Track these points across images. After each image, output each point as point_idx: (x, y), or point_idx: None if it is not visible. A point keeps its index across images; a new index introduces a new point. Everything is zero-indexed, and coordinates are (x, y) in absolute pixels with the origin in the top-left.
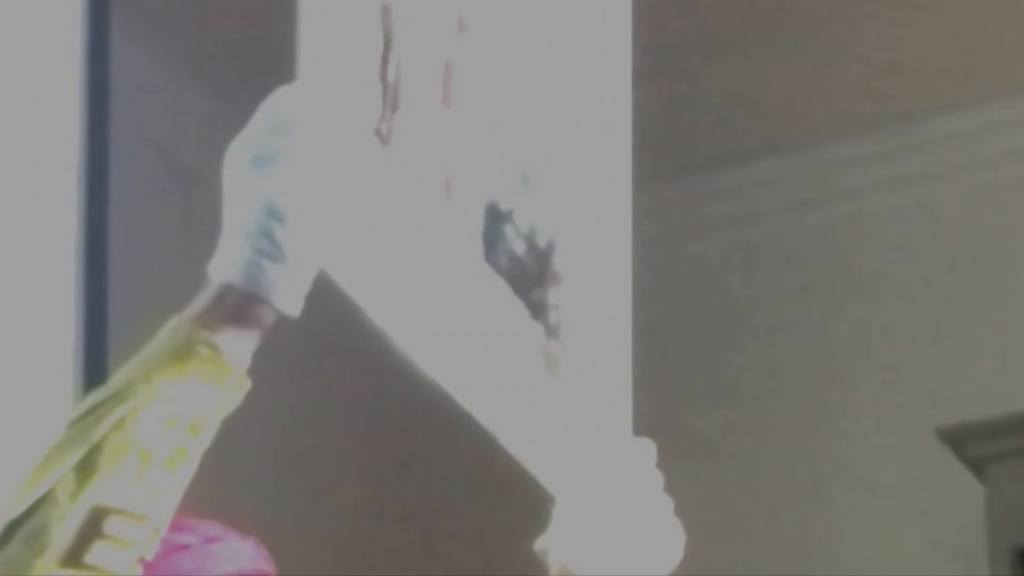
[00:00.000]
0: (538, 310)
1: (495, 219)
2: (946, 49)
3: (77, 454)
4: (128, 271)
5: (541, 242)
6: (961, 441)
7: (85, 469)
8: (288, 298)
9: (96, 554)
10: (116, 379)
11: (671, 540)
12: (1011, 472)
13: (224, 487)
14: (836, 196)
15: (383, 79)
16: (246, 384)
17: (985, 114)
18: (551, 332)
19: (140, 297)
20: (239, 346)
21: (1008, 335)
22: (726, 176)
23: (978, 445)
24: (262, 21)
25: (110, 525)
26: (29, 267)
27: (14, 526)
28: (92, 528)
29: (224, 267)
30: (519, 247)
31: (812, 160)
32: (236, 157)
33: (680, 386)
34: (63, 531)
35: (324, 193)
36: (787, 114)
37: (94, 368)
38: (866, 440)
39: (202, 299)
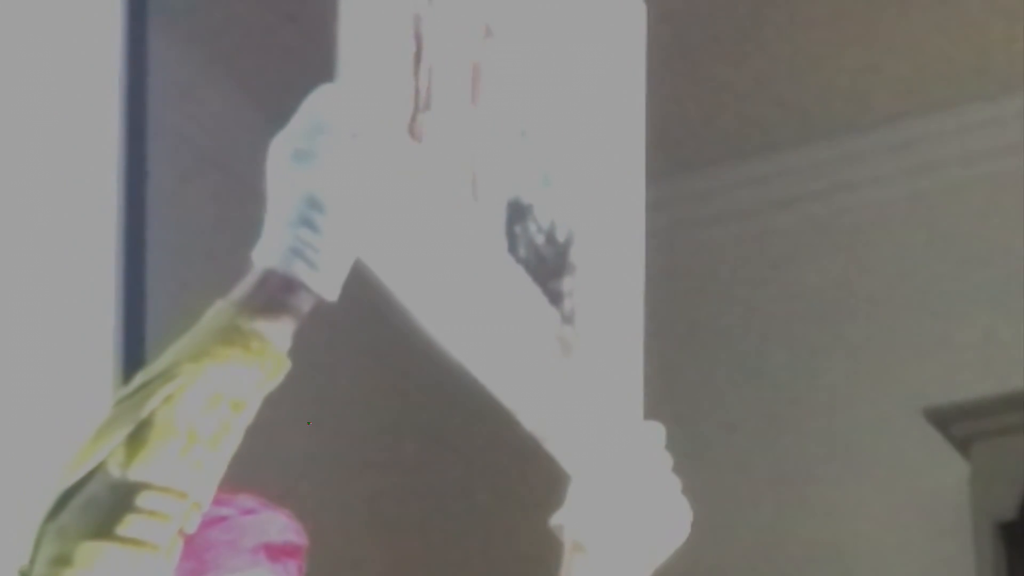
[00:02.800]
0: (555, 297)
1: (517, 213)
2: (937, 52)
3: (127, 428)
4: (164, 262)
5: (560, 235)
6: (947, 421)
7: (135, 443)
8: (326, 283)
9: (137, 527)
10: (164, 359)
11: (679, 518)
12: (994, 450)
13: (259, 462)
14: (829, 191)
15: (416, 81)
16: (287, 364)
17: (976, 113)
18: (566, 318)
19: (175, 286)
20: (280, 328)
21: (991, 322)
22: (734, 170)
23: (963, 425)
24: (293, 26)
25: (151, 501)
26: (72, 259)
27: (68, 495)
28: (134, 503)
29: (267, 254)
30: (539, 239)
31: (807, 156)
32: (279, 152)
33: (685, 371)
34: (108, 504)
35: (361, 186)
36: (789, 111)
37: (132, 353)
38: (858, 420)
39: (246, 283)
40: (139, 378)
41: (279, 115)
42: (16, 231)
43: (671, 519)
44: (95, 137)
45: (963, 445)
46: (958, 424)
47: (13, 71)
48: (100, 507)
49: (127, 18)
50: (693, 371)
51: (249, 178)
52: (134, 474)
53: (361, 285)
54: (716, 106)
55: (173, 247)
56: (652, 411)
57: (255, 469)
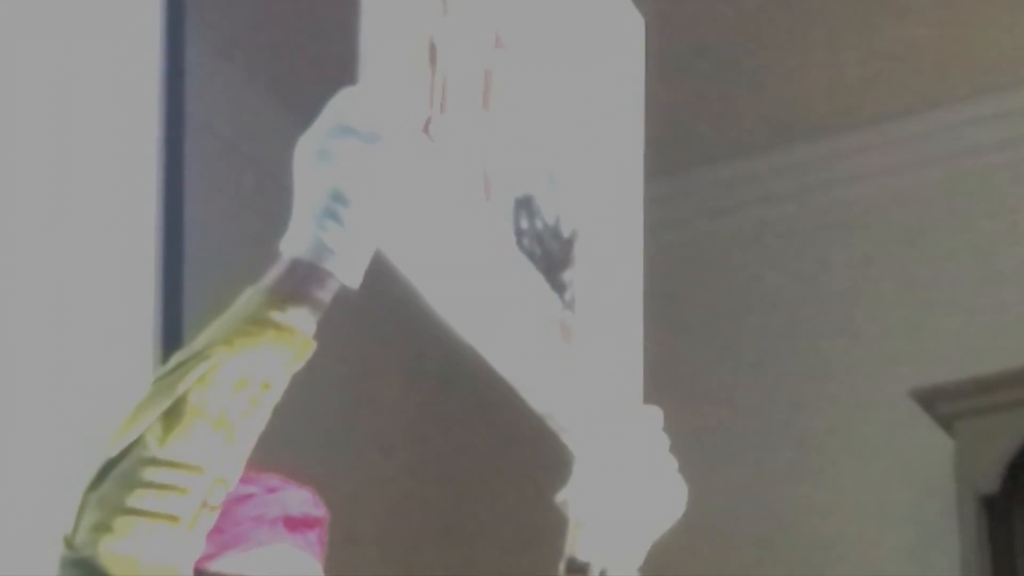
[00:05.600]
0: (557, 286)
1: (525, 208)
2: (928, 53)
3: (164, 405)
4: (200, 253)
5: (564, 230)
6: (933, 401)
7: (170, 419)
8: (349, 271)
9: (164, 502)
10: (199, 341)
11: (676, 495)
12: (977, 428)
13: (284, 442)
14: (823, 186)
15: (432, 86)
16: (312, 346)
17: (961, 112)
18: (567, 305)
19: (210, 274)
20: (306, 313)
21: (974, 309)
22: (733, 167)
23: (947, 404)
24: (322, 31)
25: (178, 477)
26: (113, 254)
27: (109, 467)
28: (163, 479)
29: (294, 244)
30: (544, 233)
31: (800, 153)
32: (305, 150)
33: (684, 357)
34: (142, 478)
35: (381, 182)
36: (786, 111)
37: (170, 336)
38: (850, 401)
39: (274, 272)
40: (175, 358)
41: (307, 115)
42: (64, 225)
43: (668, 496)
44: (136, 135)
45: (948, 423)
46: (943, 404)
47: (58, 75)
48: (133, 481)
49: (166, 25)
50: (691, 357)
51: (278, 173)
52: (167, 451)
53: (380, 274)
54: (716, 106)
55: (208, 239)
56: (651, 394)
57: (281, 448)
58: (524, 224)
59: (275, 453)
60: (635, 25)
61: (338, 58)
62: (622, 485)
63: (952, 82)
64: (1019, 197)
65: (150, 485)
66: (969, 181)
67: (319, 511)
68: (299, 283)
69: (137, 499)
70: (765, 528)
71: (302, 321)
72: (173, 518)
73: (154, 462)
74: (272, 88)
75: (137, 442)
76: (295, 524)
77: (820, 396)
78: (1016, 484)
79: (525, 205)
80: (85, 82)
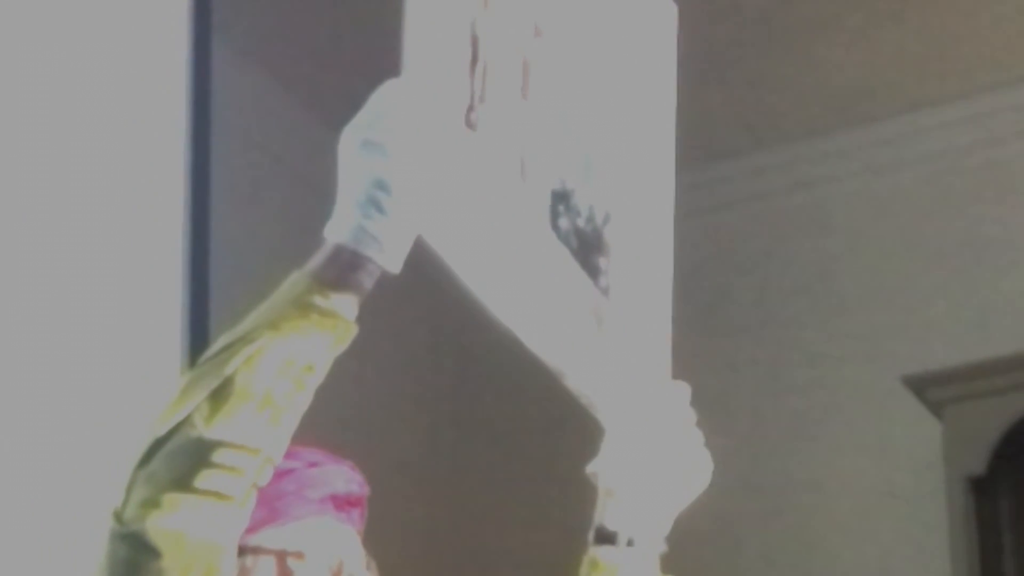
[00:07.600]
0: (593, 272)
1: (561, 195)
2: (923, 57)
3: (211, 385)
4: (227, 250)
5: (599, 216)
6: (923, 387)
7: (217, 399)
8: (391, 257)
9: (215, 481)
10: (245, 324)
11: (701, 467)
12: (965, 413)
13: (325, 419)
14: (823, 181)
15: (472, 76)
16: (354, 330)
17: (952, 112)
18: (603, 291)
19: (237, 270)
20: (349, 297)
21: (964, 298)
22: (742, 162)
23: (937, 390)
24: (347, 33)
25: (228, 457)
26: (141, 252)
27: (158, 445)
28: (213, 459)
29: (337, 230)
30: (579, 220)
31: (801, 151)
32: (349, 140)
33: (680, 345)
34: (191, 458)
35: (422, 170)
36: (790, 111)
37: (198, 333)
38: (846, 387)
39: (318, 257)
40: (222, 341)
41: (332, 115)
42: (93, 225)
43: (695, 469)
44: (163, 136)
45: (937, 408)
46: (933, 390)
47: (87, 79)
48: (184, 459)
49: (192, 27)
50: (687, 345)
51: (305, 173)
52: (215, 431)
53: (421, 259)
54: (725, 104)
55: (234, 236)
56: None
57: (319, 425)
58: (560, 209)
59: (307, 427)
60: (668, 12)
61: (363, 59)
62: (650, 457)
63: (950, 82)
64: (1008, 190)
65: (203, 464)
66: (960, 175)
67: (363, 489)
68: (342, 269)
69: (188, 477)
70: (759, 508)
71: (345, 306)
72: (225, 497)
73: (202, 441)
74: (297, 89)
75: (185, 422)
76: (341, 502)
77: (815, 381)
78: (1002, 466)
79: (561, 191)
80: (113, 84)
